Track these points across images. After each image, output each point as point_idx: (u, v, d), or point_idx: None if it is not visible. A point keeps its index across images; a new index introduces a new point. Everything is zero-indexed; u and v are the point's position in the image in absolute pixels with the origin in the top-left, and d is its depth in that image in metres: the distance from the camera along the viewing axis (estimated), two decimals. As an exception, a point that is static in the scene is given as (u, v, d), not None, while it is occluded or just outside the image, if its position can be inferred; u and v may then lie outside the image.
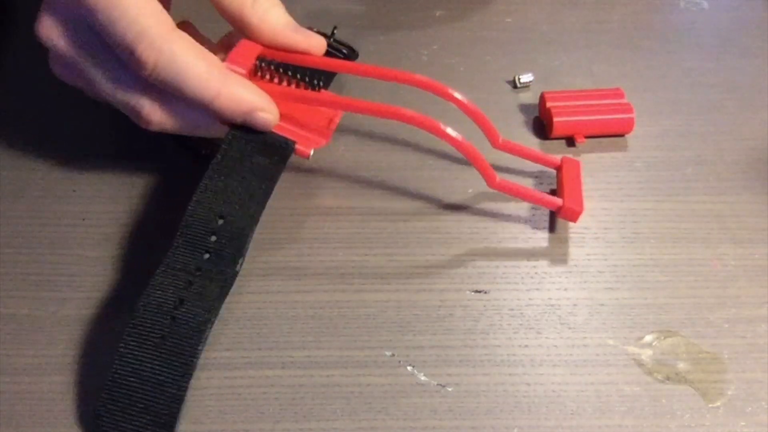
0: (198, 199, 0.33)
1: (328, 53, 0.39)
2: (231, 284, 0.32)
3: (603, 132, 0.42)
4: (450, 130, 0.35)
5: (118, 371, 0.30)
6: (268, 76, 0.37)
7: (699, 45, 0.48)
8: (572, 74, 0.46)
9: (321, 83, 0.37)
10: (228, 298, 0.32)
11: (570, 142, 0.42)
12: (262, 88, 0.35)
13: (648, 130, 0.43)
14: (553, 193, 0.40)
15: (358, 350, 0.34)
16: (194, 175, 0.34)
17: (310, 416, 0.32)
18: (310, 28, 0.38)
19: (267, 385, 0.33)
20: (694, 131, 0.43)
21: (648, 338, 0.35)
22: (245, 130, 0.35)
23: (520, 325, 0.35)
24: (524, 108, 0.44)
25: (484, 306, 0.36)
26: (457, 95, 0.36)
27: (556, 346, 0.34)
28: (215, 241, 0.33)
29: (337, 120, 0.38)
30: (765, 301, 0.36)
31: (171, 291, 0.31)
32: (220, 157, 0.34)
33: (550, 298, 0.36)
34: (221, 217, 0.33)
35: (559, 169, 0.40)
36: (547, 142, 0.42)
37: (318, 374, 0.33)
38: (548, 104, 0.42)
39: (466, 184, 0.40)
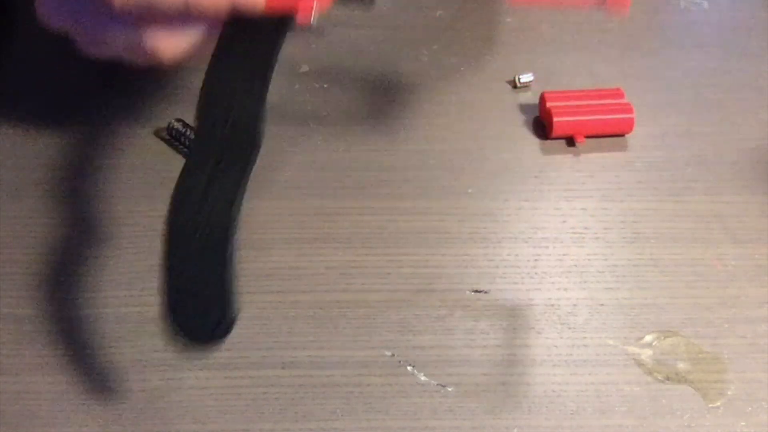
0: (205, 95, 0.33)
1: None
2: (254, 159, 0.32)
3: (603, 132, 0.42)
4: None
5: (166, 268, 0.30)
6: None
7: (699, 45, 0.48)
8: (572, 74, 0.46)
9: None
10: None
11: (570, 142, 0.42)
12: None
13: (648, 130, 0.43)
14: None
15: (358, 350, 0.34)
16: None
17: (310, 416, 0.32)
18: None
19: (267, 385, 0.33)
20: (694, 131, 0.43)
21: (648, 338, 0.35)
22: (240, 19, 0.34)
23: (520, 325, 0.35)
24: (524, 108, 0.44)
25: (484, 306, 0.36)
26: None
27: (556, 346, 0.34)
28: (231, 126, 0.32)
29: None
30: (765, 301, 0.36)
31: (197, 180, 0.31)
32: (218, 50, 0.34)
33: (550, 298, 0.36)
34: (231, 105, 0.33)
35: None
36: (547, 142, 0.42)
37: (318, 374, 0.33)
38: (548, 104, 0.42)
39: (466, 184, 0.40)
